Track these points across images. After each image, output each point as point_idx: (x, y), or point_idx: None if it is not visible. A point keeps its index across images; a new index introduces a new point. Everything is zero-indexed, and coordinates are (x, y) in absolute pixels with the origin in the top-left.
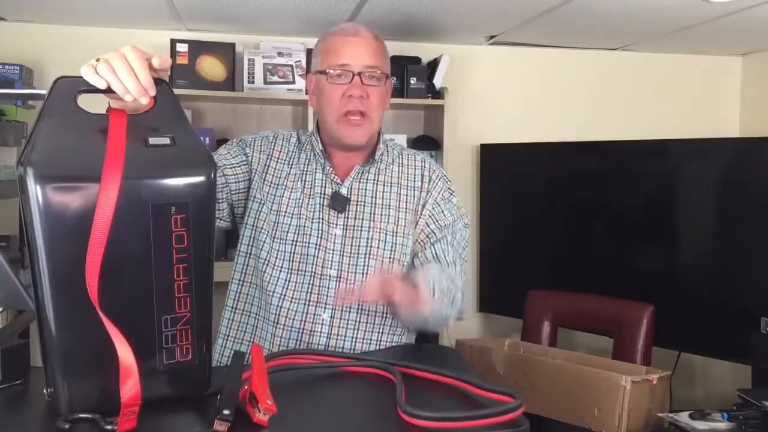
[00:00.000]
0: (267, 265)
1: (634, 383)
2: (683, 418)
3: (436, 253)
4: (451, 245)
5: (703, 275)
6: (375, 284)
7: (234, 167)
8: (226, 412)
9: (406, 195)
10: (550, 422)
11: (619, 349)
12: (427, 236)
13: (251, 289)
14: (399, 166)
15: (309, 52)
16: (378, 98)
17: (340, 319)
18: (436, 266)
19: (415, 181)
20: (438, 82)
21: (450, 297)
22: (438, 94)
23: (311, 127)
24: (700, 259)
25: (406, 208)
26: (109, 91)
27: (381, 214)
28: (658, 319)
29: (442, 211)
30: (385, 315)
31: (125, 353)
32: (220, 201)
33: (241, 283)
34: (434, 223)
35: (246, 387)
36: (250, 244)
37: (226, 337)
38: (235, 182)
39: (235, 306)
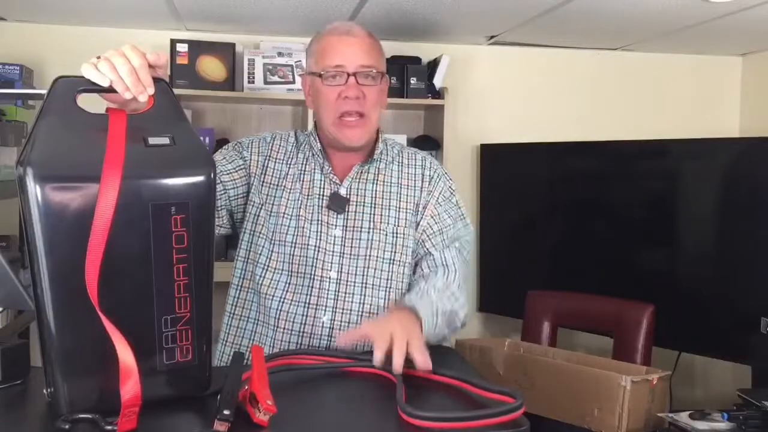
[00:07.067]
0: (266, 269)
1: (634, 383)
2: (683, 418)
3: (445, 260)
4: (459, 252)
5: (703, 275)
6: (371, 332)
7: (231, 173)
8: (226, 412)
9: (407, 195)
10: (550, 422)
11: (619, 349)
12: (429, 237)
13: (249, 294)
14: (399, 165)
15: None
16: (374, 97)
17: (341, 321)
18: (440, 279)
19: (415, 180)
20: (438, 82)
21: (451, 320)
22: (438, 94)
23: (311, 126)
24: (700, 259)
25: (406, 208)
26: (109, 90)
27: (381, 215)
28: (658, 319)
29: (444, 212)
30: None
31: (125, 353)
32: (219, 208)
33: (239, 288)
34: (437, 224)
35: (246, 387)
36: (249, 248)
37: (224, 342)
38: (233, 188)
39: (233, 311)
